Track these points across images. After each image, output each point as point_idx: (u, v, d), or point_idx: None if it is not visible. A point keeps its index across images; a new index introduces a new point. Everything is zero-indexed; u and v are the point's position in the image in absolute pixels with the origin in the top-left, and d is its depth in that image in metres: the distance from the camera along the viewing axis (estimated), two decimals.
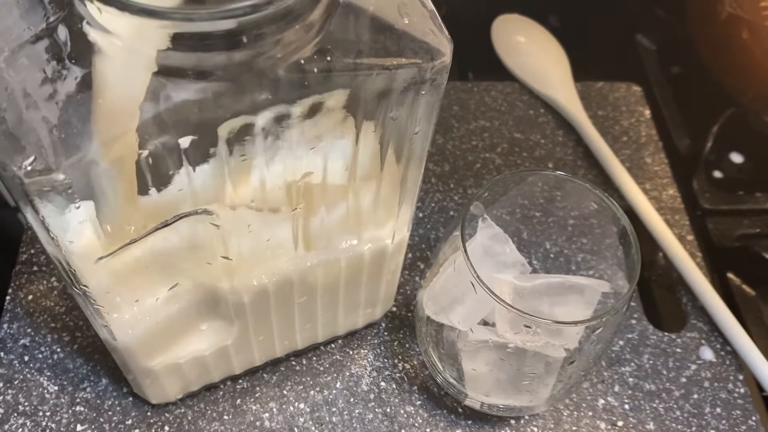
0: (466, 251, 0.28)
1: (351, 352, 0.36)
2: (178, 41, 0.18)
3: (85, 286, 0.22)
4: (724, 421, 0.35)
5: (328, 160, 0.23)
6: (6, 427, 0.33)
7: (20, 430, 0.32)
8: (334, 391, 0.35)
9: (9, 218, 0.60)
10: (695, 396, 0.36)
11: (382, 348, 0.36)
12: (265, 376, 0.35)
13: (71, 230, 0.20)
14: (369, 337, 0.36)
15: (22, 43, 0.20)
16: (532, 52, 0.49)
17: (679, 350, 0.37)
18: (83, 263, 0.21)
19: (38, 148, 0.19)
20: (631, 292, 0.28)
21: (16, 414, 0.33)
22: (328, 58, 0.20)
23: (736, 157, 0.48)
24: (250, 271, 0.25)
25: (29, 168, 0.18)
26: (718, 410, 0.35)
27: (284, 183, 0.23)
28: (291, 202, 0.23)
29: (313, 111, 0.21)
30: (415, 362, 0.36)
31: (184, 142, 0.20)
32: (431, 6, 0.22)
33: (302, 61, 0.19)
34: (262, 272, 0.26)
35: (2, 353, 0.35)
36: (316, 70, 0.20)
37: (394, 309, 0.37)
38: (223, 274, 0.25)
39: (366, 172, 0.24)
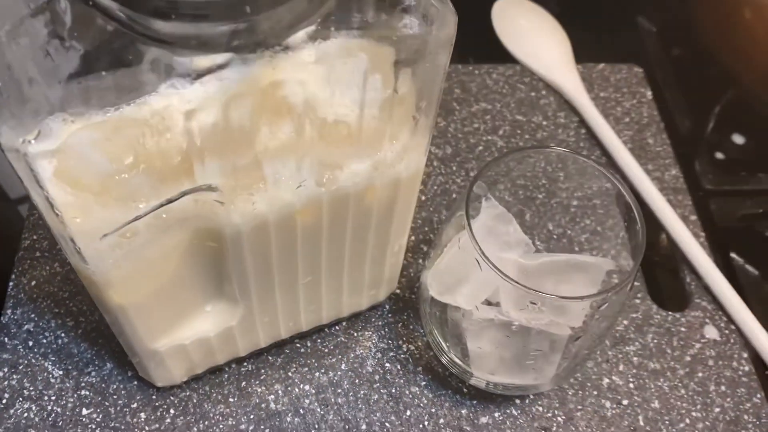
0: (471, 228, 0.28)
1: (355, 334, 0.36)
2: (180, 10, 0.18)
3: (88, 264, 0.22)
4: (728, 399, 0.35)
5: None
6: (12, 411, 0.33)
7: (26, 414, 0.33)
8: (339, 373, 0.35)
9: (8, 212, 0.60)
10: (700, 374, 0.36)
11: (387, 330, 0.36)
12: (270, 358, 0.35)
13: (76, 206, 0.20)
14: (373, 319, 0.36)
15: (22, 17, 0.20)
16: (533, 35, 0.48)
17: (683, 329, 0.37)
18: (89, 240, 0.21)
19: (42, 123, 0.18)
20: (636, 269, 0.28)
21: (21, 398, 0.33)
22: (332, 29, 0.20)
23: (738, 138, 0.48)
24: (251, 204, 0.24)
25: (33, 142, 0.18)
26: (723, 388, 0.35)
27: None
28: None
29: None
30: (420, 343, 0.36)
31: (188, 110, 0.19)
32: None
33: (306, 32, 0.19)
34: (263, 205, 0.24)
35: (6, 339, 0.35)
36: (319, 40, 0.19)
37: (398, 291, 0.37)
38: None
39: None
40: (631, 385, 0.35)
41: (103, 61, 0.20)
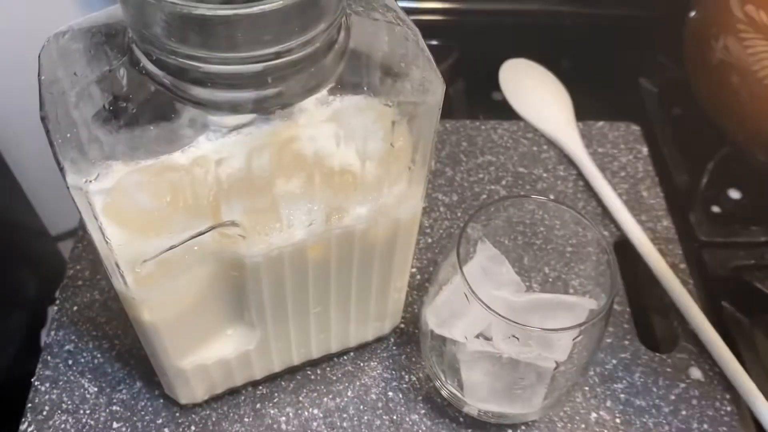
0: (461, 266, 0.31)
1: (362, 364, 0.39)
2: (214, 80, 0.22)
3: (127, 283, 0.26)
4: None
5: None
6: (51, 422, 0.36)
7: (63, 425, 0.36)
8: (345, 399, 0.38)
9: (48, 247, 0.65)
10: (683, 413, 0.38)
11: (391, 361, 0.39)
12: (283, 383, 0.38)
13: (121, 236, 0.24)
14: (379, 351, 0.40)
15: (88, 82, 0.24)
16: (537, 94, 0.52)
17: (669, 369, 0.39)
18: (131, 266, 0.25)
19: (101, 168, 0.23)
20: (610, 302, 0.31)
21: (59, 411, 0.37)
22: (338, 95, 0.24)
23: (734, 194, 0.50)
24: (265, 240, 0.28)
25: (93, 182, 0.22)
26: (705, 426, 0.37)
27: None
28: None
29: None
30: (421, 375, 0.39)
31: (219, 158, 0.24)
32: (428, 53, 0.26)
33: (318, 96, 0.24)
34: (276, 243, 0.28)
35: (49, 357, 0.39)
36: (329, 102, 0.24)
37: (402, 326, 0.41)
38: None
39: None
40: (618, 421, 0.37)
41: (150, 117, 0.24)
